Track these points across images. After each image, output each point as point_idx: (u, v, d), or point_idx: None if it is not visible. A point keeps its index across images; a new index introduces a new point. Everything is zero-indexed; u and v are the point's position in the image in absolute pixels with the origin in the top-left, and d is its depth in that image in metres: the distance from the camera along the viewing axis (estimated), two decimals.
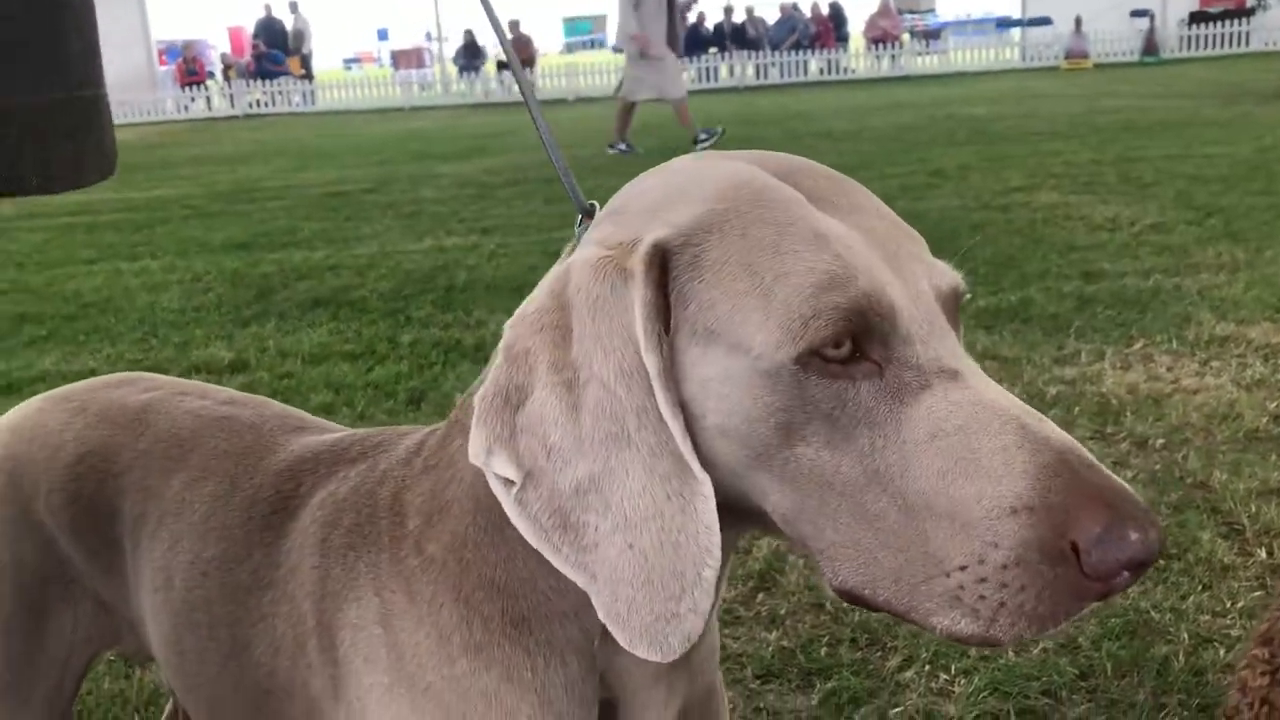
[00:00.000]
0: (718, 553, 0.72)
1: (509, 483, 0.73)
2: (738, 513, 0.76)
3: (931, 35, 30.00)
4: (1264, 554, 2.51)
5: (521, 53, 26.60)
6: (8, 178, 0.81)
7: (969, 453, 0.68)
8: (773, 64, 24.88)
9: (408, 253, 6.69)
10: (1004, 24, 31.84)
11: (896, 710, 2.05)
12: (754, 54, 25.21)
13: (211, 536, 1.07)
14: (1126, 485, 0.70)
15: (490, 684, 0.85)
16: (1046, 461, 0.68)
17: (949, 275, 0.78)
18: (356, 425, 3.58)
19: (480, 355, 4.49)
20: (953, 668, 2.16)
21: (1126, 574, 0.67)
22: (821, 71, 25.32)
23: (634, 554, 0.71)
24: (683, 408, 0.72)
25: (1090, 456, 0.70)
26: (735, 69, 25.14)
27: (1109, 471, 0.70)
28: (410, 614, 0.88)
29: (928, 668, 2.17)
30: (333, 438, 1.10)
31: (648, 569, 0.71)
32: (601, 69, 25.98)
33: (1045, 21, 27.21)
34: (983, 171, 8.64)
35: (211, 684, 1.06)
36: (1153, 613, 2.30)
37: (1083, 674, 2.12)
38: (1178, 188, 7.31)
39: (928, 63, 26.38)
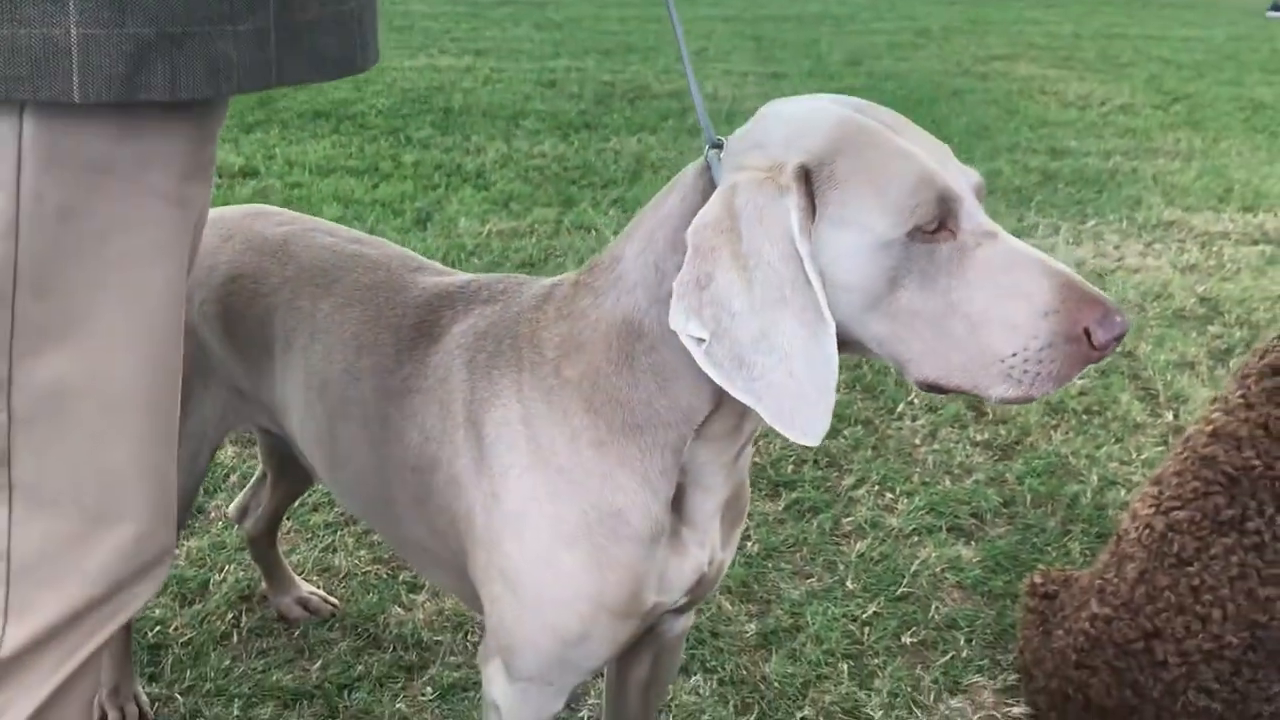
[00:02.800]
0: (836, 374, 1.06)
1: (699, 340, 1.05)
2: (843, 346, 1.10)
3: None
4: (1171, 416, 2.92)
5: None
6: (349, 59, 1.06)
7: (1012, 282, 1.02)
8: None
9: (403, 70, 6.81)
10: None
11: (848, 519, 2.45)
12: None
13: (364, 351, 1.36)
14: (1102, 292, 1.07)
15: (607, 468, 1.18)
16: (1061, 282, 1.02)
17: (975, 175, 1.10)
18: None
19: (481, 181, 4.74)
20: (897, 489, 2.56)
21: (1114, 343, 1.04)
22: None
23: (792, 379, 1.03)
24: (820, 277, 1.05)
25: (1080, 277, 1.05)
26: None
27: (1094, 286, 1.05)
28: (548, 417, 1.20)
29: (876, 488, 2.57)
30: (458, 279, 1.40)
31: (801, 388, 1.04)
32: None
33: None
34: (966, 35, 8.80)
35: (361, 462, 1.37)
36: (1070, 458, 2.71)
37: (1005, 502, 2.53)
38: (1150, 70, 7.56)
39: None
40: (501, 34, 8.20)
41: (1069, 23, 9.63)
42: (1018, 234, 4.26)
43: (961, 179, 1.06)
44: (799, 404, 1.04)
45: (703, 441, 1.18)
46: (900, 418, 2.89)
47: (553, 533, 1.19)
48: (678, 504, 1.22)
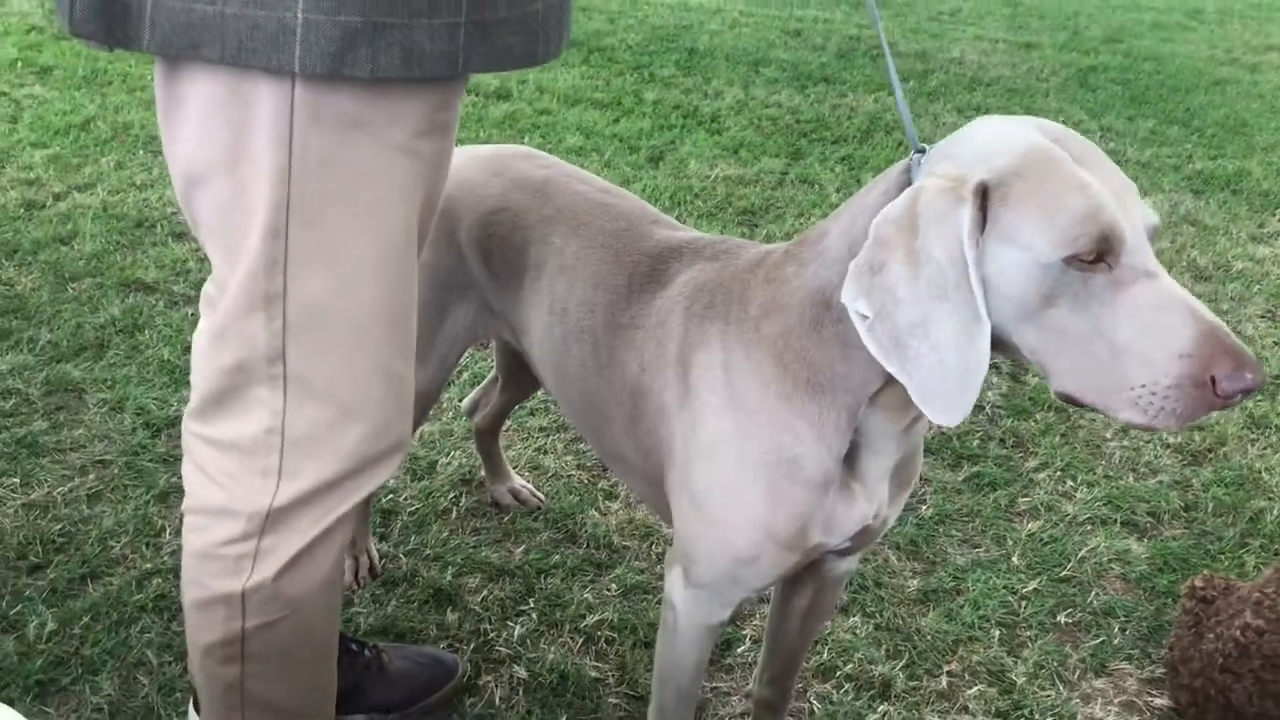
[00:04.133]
0: (986, 370, 1.19)
1: (864, 317, 1.20)
2: (999, 347, 1.22)
3: None
4: None
5: None
6: (530, 54, 1.24)
7: (1157, 320, 1.12)
8: None
9: (655, 5, 7.00)
10: None
11: (1025, 499, 2.55)
12: None
13: (601, 288, 1.57)
14: (1245, 349, 1.13)
15: (790, 418, 1.35)
16: (1202, 329, 1.10)
17: (1152, 216, 1.18)
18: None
19: (715, 125, 4.91)
20: (1079, 478, 2.63)
21: (1240, 397, 1.12)
22: None
23: (941, 366, 1.18)
24: (983, 283, 1.18)
25: (1227, 329, 1.13)
26: None
27: (1238, 340, 1.13)
28: (745, 366, 1.38)
29: (1058, 474, 2.65)
30: (688, 235, 1.58)
31: (948, 374, 1.18)
32: None
33: None
34: (1243, 20, 8.32)
35: (587, 381, 1.59)
36: (1264, 473, 2.71)
37: (1186, 506, 2.57)
38: None
39: None
40: None
41: None
42: (1255, 239, 4.14)
43: (1136, 218, 1.15)
44: (944, 388, 1.17)
45: (876, 409, 1.33)
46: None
47: (738, 466, 1.37)
48: (851, 460, 1.37)
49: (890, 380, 1.30)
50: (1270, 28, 8.13)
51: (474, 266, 1.75)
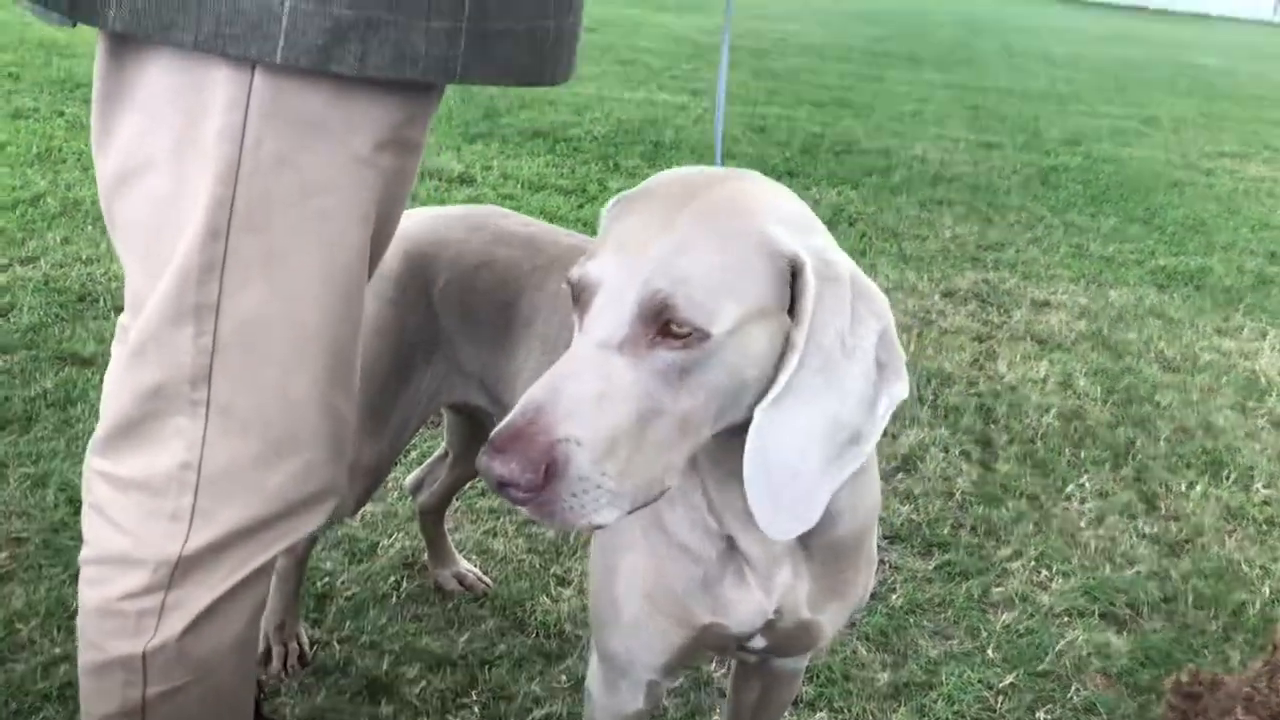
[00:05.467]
0: None
1: None
2: None
3: None
4: None
5: None
6: (535, 71, 1.16)
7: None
8: None
9: (621, 101, 7.05)
10: None
11: (999, 589, 2.43)
12: None
13: None
14: (512, 425, 0.96)
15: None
16: (520, 406, 0.96)
17: (658, 295, 0.98)
18: None
19: None
20: (1054, 568, 2.52)
21: (497, 488, 0.95)
22: None
23: None
24: None
25: (545, 411, 0.96)
26: None
27: (526, 419, 0.95)
28: None
29: (1032, 564, 2.53)
30: None
31: None
32: None
33: None
34: (1197, 128, 8.50)
35: None
36: (1243, 565, 2.61)
37: (1166, 598, 2.46)
38: None
39: None
40: (715, 77, 8.38)
41: None
42: (1220, 333, 4.11)
43: (624, 274, 1.00)
44: None
45: (709, 482, 1.21)
46: (1069, 498, 2.83)
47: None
48: (734, 542, 1.25)
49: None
50: (1222, 135, 8.31)
51: (448, 325, 1.65)
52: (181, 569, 1.18)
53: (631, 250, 1.00)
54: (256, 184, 1.07)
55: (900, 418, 3.13)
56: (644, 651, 1.32)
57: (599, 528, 0.99)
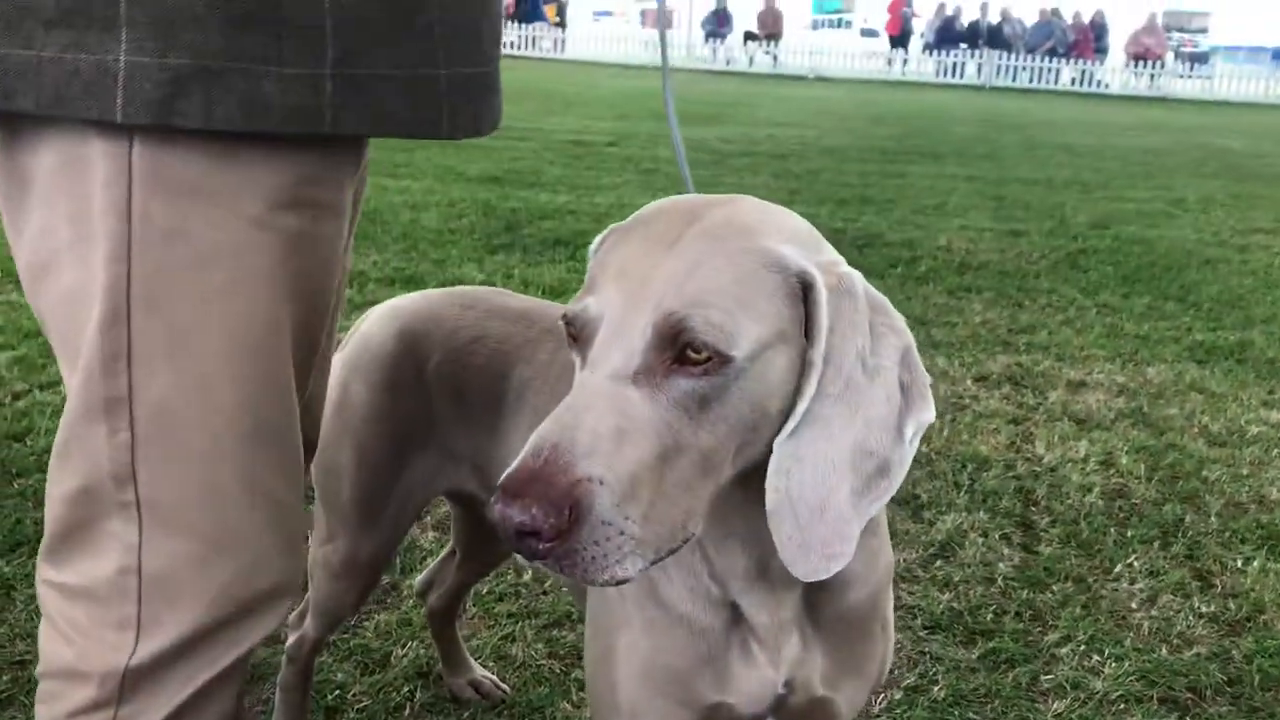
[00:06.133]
0: None
1: None
2: None
3: (1199, 59, 28.50)
4: None
5: (772, 26, 26.74)
6: (428, 122, 1.10)
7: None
8: (1023, 68, 24.24)
9: (640, 207, 7.08)
10: None
11: (1048, 677, 2.28)
12: (1004, 54, 24.60)
13: None
14: (524, 467, 0.87)
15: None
16: (532, 446, 0.89)
17: (671, 323, 0.93)
18: None
19: None
20: (1106, 652, 2.37)
21: (515, 538, 0.87)
22: (1074, 82, 24.53)
23: None
24: None
25: (561, 450, 0.87)
26: (983, 68, 24.61)
27: (539, 459, 0.87)
28: None
29: (1083, 648, 2.39)
30: None
31: None
32: (845, 51, 25.85)
33: None
34: (1227, 208, 8.42)
35: None
36: None
37: (1230, 681, 2.30)
38: None
39: (1189, 86, 25.16)
40: (739, 181, 8.43)
41: None
42: (1267, 405, 3.97)
43: (614, 303, 0.95)
44: None
45: (709, 543, 1.13)
46: (1117, 579, 2.69)
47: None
48: (738, 612, 1.16)
49: None
50: (1253, 213, 8.22)
51: (440, 406, 1.59)
52: (130, 682, 1.10)
53: (636, 277, 0.94)
54: (149, 259, 1.02)
55: (936, 504, 3.01)
56: None
57: (622, 582, 0.91)
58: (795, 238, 1.01)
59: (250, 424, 1.09)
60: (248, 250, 1.05)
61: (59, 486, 1.09)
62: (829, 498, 0.98)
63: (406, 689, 2.15)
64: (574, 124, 11.59)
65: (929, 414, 1.01)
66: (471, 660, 2.17)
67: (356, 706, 2.09)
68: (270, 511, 1.13)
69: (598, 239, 1.08)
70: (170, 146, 0.99)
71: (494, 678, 2.16)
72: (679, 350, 0.92)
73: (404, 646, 2.28)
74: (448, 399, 1.58)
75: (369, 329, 1.64)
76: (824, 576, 0.99)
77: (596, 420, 0.89)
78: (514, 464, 0.88)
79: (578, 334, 0.98)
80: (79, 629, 1.10)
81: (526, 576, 2.54)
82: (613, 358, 0.92)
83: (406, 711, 2.09)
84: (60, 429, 1.08)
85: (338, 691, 2.13)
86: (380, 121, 1.05)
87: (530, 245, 5.81)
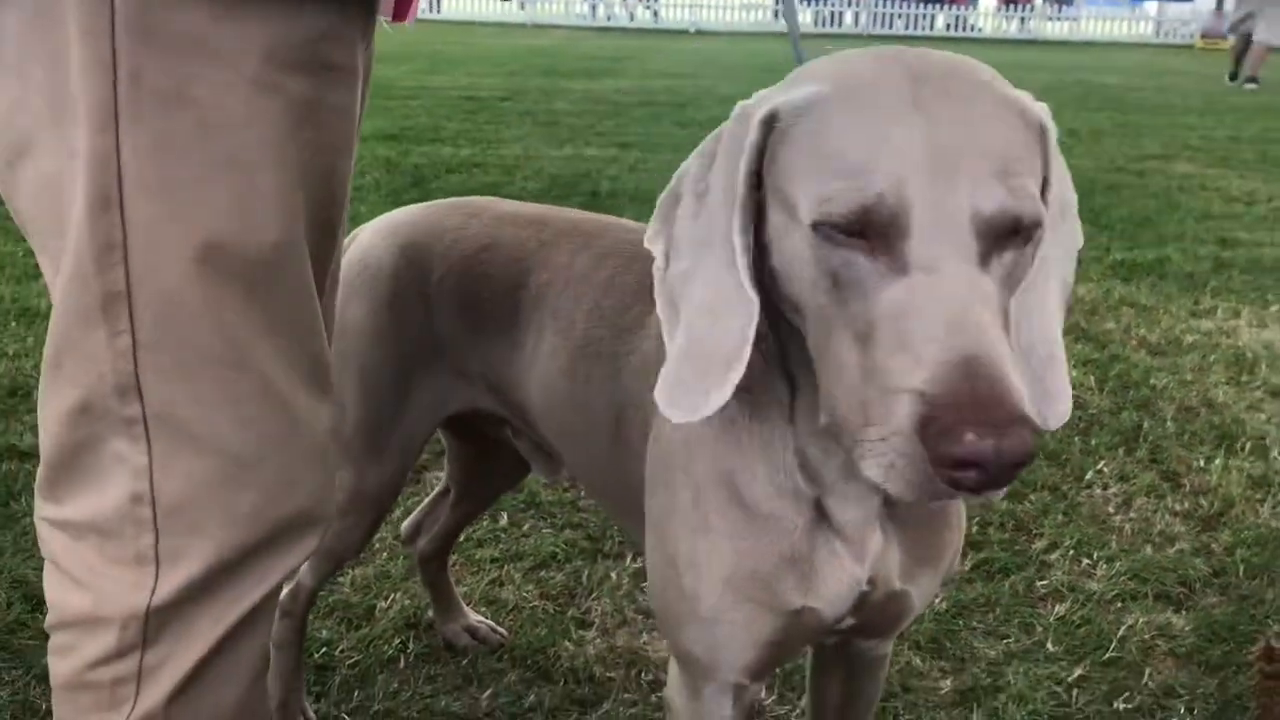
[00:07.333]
0: (744, 365, 0.90)
1: (659, 265, 0.96)
2: (803, 346, 0.92)
3: (1064, 1, 29.28)
4: None
5: None
6: None
7: (905, 336, 0.80)
8: (899, 15, 24.56)
9: (550, 158, 6.94)
10: None
11: (1043, 582, 2.27)
12: (881, 2, 24.90)
13: (611, 291, 1.32)
14: (1003, 397, 0.76)
15: (729, 432, 1.07)
16: (948, 359, 0.77)
17: (993, 200, 0.83)
18: None
19: None
20: (1094, 555, 2.38)
21: (971, 473, 0.75)
22: (948, 27, 24.96)
23: (691, 340, 0.92)
24: (767, 243, 0.91)
25: (997, 369, 0.77)
26: (860, 16, 24.87)
27: (1002, 384, 0.77)
28: None
29: (1070, 553, 2.39)
30: None
31: (693, 352, 0.92)
32: (725, 4, 25.88)
33: None
34: (1117, 137, 8.63)
35: (593, 398, 1.31)
36: None
37: (1216, 572, 2.33)
38: None
39: (1058, 29, 25.83)
40: (644, 130, 8.33)
41: (1223, 128, 9.38)
42: (1195, 315, 4.05)
43: (944, 197, 0.82)
44: (685, 369, 0.92)
45: (804, 433, 1.05)
46: (1090, 485, 2.70)
47: (684, 483, 1.12)
48: (823, 508, 1.10)
49: (795, 388, 1.03)
50: (1143, 141, 8.44)
51: (448, 323, 1.48)
52: (155, 623, 0.97)
53: (911, 155, 0.82)
54: (144, 129, 0.87)
55: None
56: (728, 648, 1.15)
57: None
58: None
59: (266, 322, 0.96)
60: (256, 116, 0.90)
61: (52, 406, 0.95)
62: (1055, 344, 0.95)
63: (397, 641, 2.04)
64: (464, 81, 11.32)
65: (1081, 237, 1.01)
66: (464, 605, 2.06)
67: (348, 663, 1.97)
68: (294, 423, 1.00)
69: (765, 114, 0.91)
70: None
71: (490, 622, 2.06)
72: (1007, 227, 0.84)
73: (386, 599, 2.16)
74: (455, 314, 1.47)
75: (365, 245, 1.52)
76: (1058, 425, 0.95)
77: (990, 324, 0.79)
78: (928, 388, 0.77)
79: (864, 228, 0.83)
80: (90, 570, 0.97)
81: (504, 520, 2.44)
82: (953, 250, 0.81)
83: (401, 664, 1.98)
84: (49, 340, 0.94)
85: (324, 649, 2.00)
86: None
87: (441, 199, 5.63)
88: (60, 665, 1.02)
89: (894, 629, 1.28)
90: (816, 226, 0.84)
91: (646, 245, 0.98)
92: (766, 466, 1.08)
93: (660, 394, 0.93)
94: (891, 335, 0.80)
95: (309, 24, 0.92)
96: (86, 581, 0.98)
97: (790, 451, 1.07)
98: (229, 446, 0.96)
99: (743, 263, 0.90)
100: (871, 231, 0.83)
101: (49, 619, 1.03)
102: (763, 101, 0.93)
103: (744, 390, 0.98)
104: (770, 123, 0.91)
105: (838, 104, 0.87)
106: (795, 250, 0.87)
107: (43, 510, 1.01)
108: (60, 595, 1.01)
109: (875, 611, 1.17)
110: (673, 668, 1.24)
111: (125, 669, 0.98)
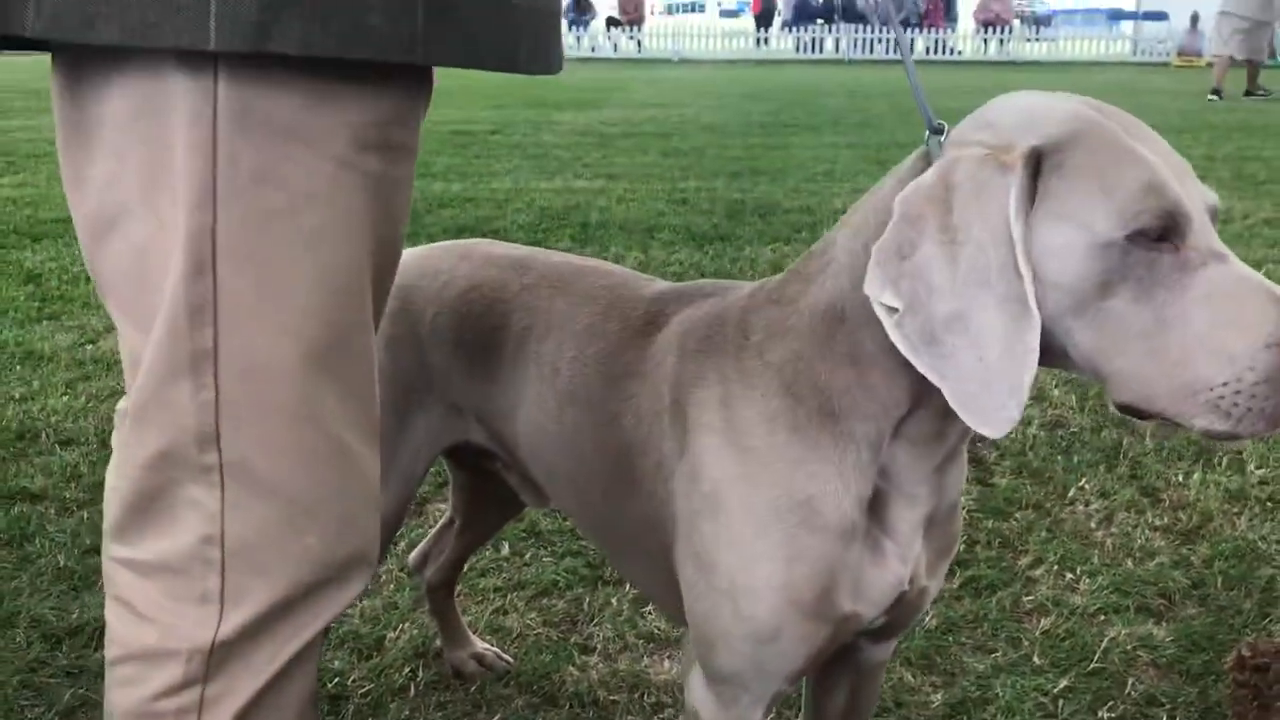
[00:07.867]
0: (1035, 370, 1.02)
1: (891, 310, 1.03)
2: (1045, 351, 1.05)
3: (1041, 22, 29.63)
4: None
5: (633, 13, 26.83)
6: (510, 55, 1.11)
7: (1235, 307, 0.97)
8: (879, 39, 24.83)
9: (540, 190, 7.04)
10: (1116, 16, 31.30)
11: (1029, 598, 2.36)
12: (860, 27, 25.17)
13: (594, 339, 1.39)
14: None
15: (800, 453, 1.15)
16: None
17: (1212, 196, 1.05)
18: None
19: None
20: (1078, 569, 2.46)
21: None
22: (928, 50, 25.22)
23: (981, 365, 1.01)
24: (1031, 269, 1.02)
25: None
26: (841, 42, 25.13)
27: None
28: (746, 398, 1.19)
29: (1055, 568, 2.47)
30: (687, 284, 1.43)
31: (990, 376, 1.01)
32: (707, 33, 26.13)
33: (1160, 16, 26.76)
34: None
35: (583, 450, 1.39)
36: (1259, 543, 2.58)
37: (1195, 584, 2.41)
38: None
39: (1036, 49, 26.12)
40: (630, 161, 8.44)
41: (1200, 146, 9.52)
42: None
43: (1196, 196, 1.03)
44: (986, 391, 1.01)
45: (902, 442, 1.15)
46: (1072, 502, 2.79)
47: (743, 515, 1.18)
48: (879, 510, 1.18)
49: (918, 403, 1.13)
50: None
51: (439, 360, 1.56)
52: (218, 657, 1.05)
53: (1169, 167, 1.02)
54: (237, 206, 0.96)
55: None
56: (780, 662, 1.21)
57: None
58: None
59: (339, 378, 1.05)
60: (338, 194, 1.00)
61: (136, 453, 1.03)
62: None
63: (407, 670, 2.11)
64: (453, 115, 11.43)
65: None
66: (471, 634, 2.14)
67: (360, 692, 2.04)
68: (353, 471, 1.08)
69: (1027, 155, 1.03)
70: (257, 83, 0.94)
71: (496, 649, 2.13)
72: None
73: (395, 630, 2.23)
74: (446, 352, 1.56)
75: None
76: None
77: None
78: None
79: (1165, 230, 1.00)
80: (158, 606, 1.05)
81: (505, 550, 2.52)
82: (1213, 237, 1.02)
83: (411, 692, 2.05)
84: (134, 395, 1.02)
85: (337, 679, 2.07)
86: (469, 52, 1.00)
87: (435, 234, 5.73)
88: (124, 696, 1.09)
89: (909, 625, 1.36)
90: (1132, 235, 0.99)
91: (874, 298, 1.05)
92: (836, 468, 1.15)
93: (970, 418, 1.02)
94: (1219, 312, 0.97)
95: (385, 108, 1.02)
96: (153, 617, 1.05)
97: (863, 459, 1.15)
98: (296, 493, 1.04)
99: (1030, 290, 1.00)
100: (1171, 234, 0.99)
101: (113, 652, 1.10)
102: (1003, 146, 1.04)
103: (829, 416, 1.14)
104: (1034, 162, 1.03)
105: (1092, 139, 1.02)
106: (1086, 263, 1.00)
107: (114, 551, 1.08)
108: (126, 630, 1.08)
109: (904, 608, 1.25)
110: (697, 679, 1.29)
111: (188, 700, 1.05)
